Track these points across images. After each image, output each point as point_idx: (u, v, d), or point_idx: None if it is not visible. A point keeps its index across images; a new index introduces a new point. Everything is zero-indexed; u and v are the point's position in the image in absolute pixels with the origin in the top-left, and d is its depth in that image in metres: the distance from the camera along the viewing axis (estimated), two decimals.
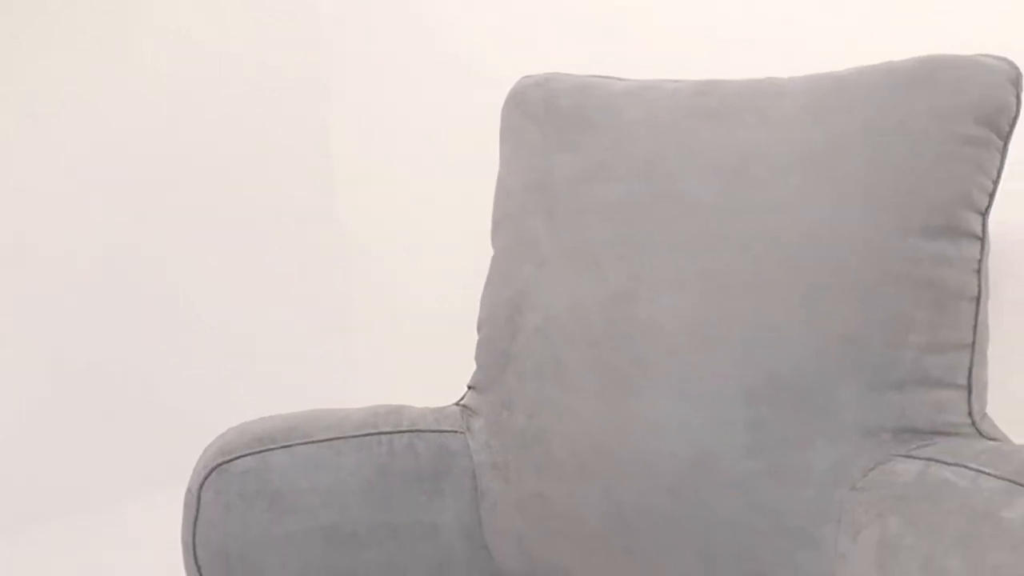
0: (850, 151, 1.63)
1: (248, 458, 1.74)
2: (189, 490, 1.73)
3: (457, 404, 1.90)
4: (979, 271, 1.62)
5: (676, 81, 1.83)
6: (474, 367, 1.89)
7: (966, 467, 1.46)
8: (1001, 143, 1.62)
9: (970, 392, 1.61)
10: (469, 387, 1.89)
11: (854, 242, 1.59)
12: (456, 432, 1.83)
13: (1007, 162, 1.65)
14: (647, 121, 1.77)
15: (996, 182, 1.64)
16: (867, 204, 1.60)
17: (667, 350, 1.64)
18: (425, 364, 2.50)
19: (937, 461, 1.50)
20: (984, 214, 1.63)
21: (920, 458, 1.53)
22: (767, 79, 1.78)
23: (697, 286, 1.64)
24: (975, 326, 1.62)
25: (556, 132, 1.84)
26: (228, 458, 1.73)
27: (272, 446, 1.75)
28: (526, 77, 1.95)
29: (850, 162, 1.62)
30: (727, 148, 1.70)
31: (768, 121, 1.70)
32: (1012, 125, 1.62)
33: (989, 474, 1.42)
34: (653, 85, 1.83)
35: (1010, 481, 1.39)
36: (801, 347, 1.58)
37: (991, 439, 1.61)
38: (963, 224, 1.60)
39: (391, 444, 1.79)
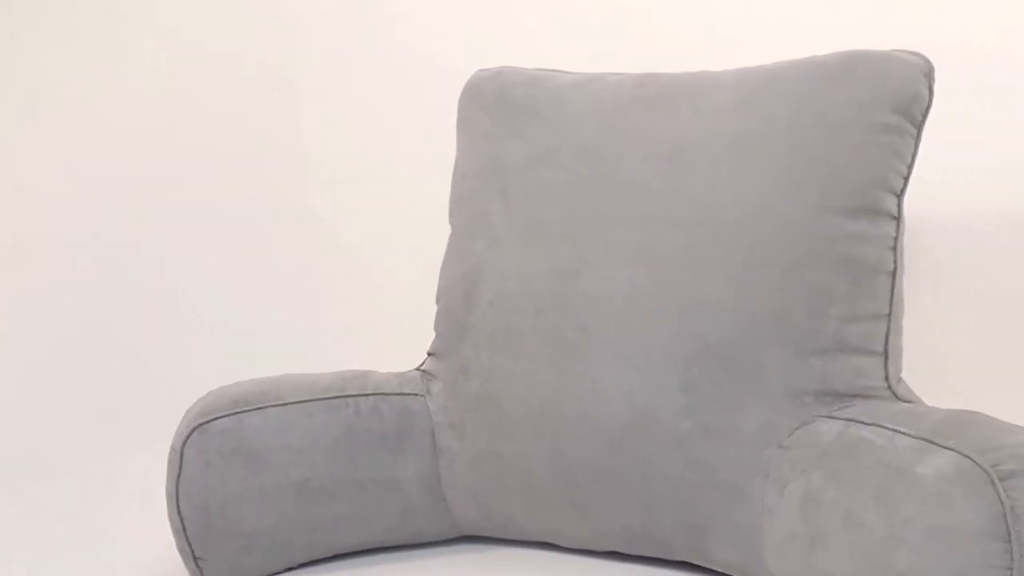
0: (777, 138, 1.61)
1: (226, 419, 1.70)
2: (173, 448, 1.71)
3: (418, 369, 1.87)
4: (895, 248, 1.62)
5: (618, 74, 1.81)
6: (433, 336, 1.86)
7: (883, 427, 1.44)
8: (915, 131, 1.62)
9: (887, 358, 1.61)
10: (429, 354, 1.87)
11: (780, 222, 1.59)
12: (417, 395, 1.80)
13: (920, 148, 1.64)
14: (592, 111, 1.76)
15: (911, 166, 1.63)
16: (792, 187, 1.59)
17: (609, 320, 1.63)
18: (389, 332, 2.46)
19: (856, 421, 1.49)
20: (900, 196, 1.63)
21: (841, 419, 1.51)
22: (701, 72, 1.76)
23: (637, 261, 1.63)
24: (891, 298, 1.61)
25: (508, 121, 1.82)
26: (208, 419, 1.70)
27: (248, 408, 1.72)
28: (480, 71, 1.92)
29: (777, 148, 1.61)
30: (665, 136, 1.68)
31: (702, 111, 1.68)
32: (925, 114, 1.63)
33: (904, 433, 1.41)
34: (597, 77, 1.81)
35: (923, 440, 1.37)
36: (732, 318, 1.57)
37: (906, 401, 1.60)
38: (880, 205, 1.60)
39: (357, 406, 1.77)
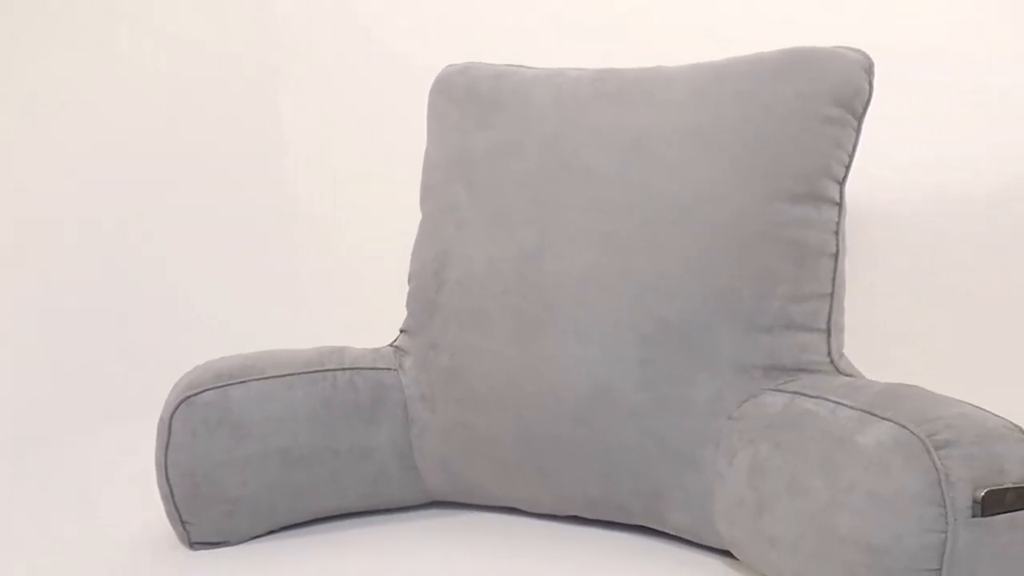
0: (727, 129, 1.60)
1: (211, 392, 1.69)
2: (161, 419, 1.69)
3: (391, 345, 1.85)
4: (837, 232, 1.61)
5: (578, 69, 1.80)
6: (406, 314, 1.84)
7: (826, 399, 1.44)
8: (856, 122, 1.62)
9: (829, 335, 1.60)
10: (401, 331, 1.85)
11: (730, 207, 1.57)
12: (390, 369, 1.79)
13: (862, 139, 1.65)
14: (554, 103, 1.74)
15: (852, 156, 1.63)
16: (741, 175, 1.58)
17: (571, 299, 1.61)
18: (364, 311, 2.43)
19: (801, 394, 1.49)
20: (842, 183, 1.62)
21: (786, 392, 1.51)
22: (656, 67, 1.74)
23: (597, 244, 1.61)
24: (833, 279, 1.61)
25: (475, 113, 1.80)
26: (194, 392, 1.68)
27: (232, 381, 1.70)
28: (449, 66, 1.90)
29: (727, 138, 1.60)
30: (623, 127, 1.66)
31: (658, 104, 1.66)
32: (865, 107, 1.62)
33: (846, 405, 1.40)
34: (559, 72, 1.80)
35: (863, 411, 1.37)
36: (686, 297, 1.56)
37: (847, 375, 1.59)
38: (824, 192, 1.59)
39: (335, 379, 1.75)
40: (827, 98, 1.58)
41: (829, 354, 1.60)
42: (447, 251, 1.75)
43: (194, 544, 1.68)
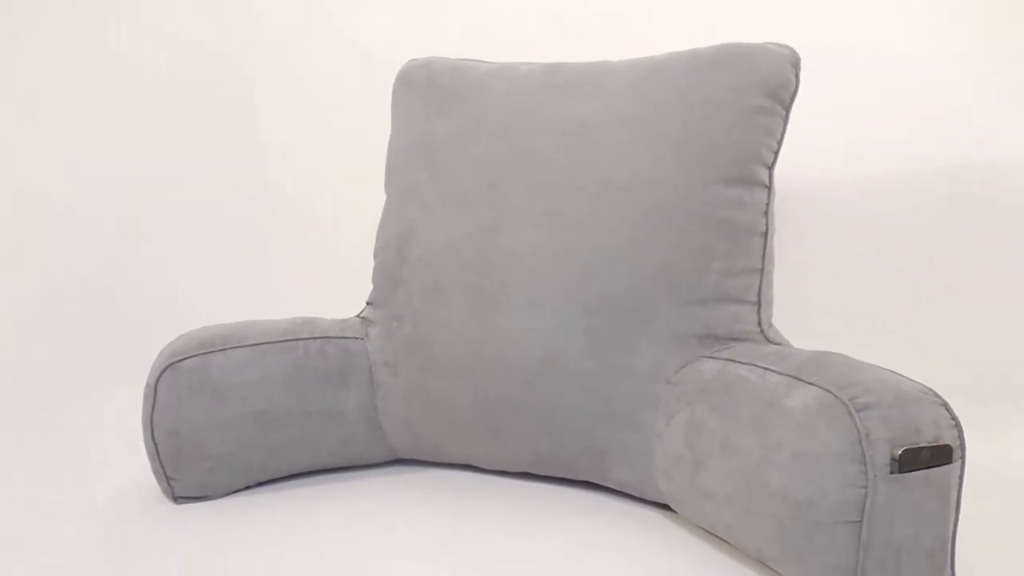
0: (666, 118, 1.58)
1: (194, 358, 1.66)
2: (148, 384, 1.66)
3: (358, 316, 1.83)
4: (767, 212, 1.60)
5: (529, 63, 1.77)
6: (371, 287, 1.81)
7: (756, 365, 1.42)
8: (784, 112, 1.60)
9: (759, 307, 1.59)
10: (368, 303, 1.82)
11: (669, 189, 1.55)
12: (357, 338, 1.76)
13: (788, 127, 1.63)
14: (507, 95, 1.71)
15: (780, 142, 1.61)
16: (679, 159, 1.55)
17: (522, 274, 1.59)
18: (334, 284, 2.39)
19: (734, 361, 1.47)
20: (771, 168, 1.61)
21: (720, 358, 1.49)
22: (601, 62, 1.71)
23: (546, 223, 1.59)
24: (764, 255, 1.60)
25: (435, 103, 1.77)
26: (178, 358, 1.65)
27: (213, 349, 1.68)
28: (412, 60, 1.87)
29: (666, 126, 1.57)
30: (570, 115, 1.64)
31: (602, 94, 1.64)
32: (792, 98, 1.61)
33: (775, 371, 1.39)
34: (512, 66, 1.77)
35: (791, 376, 1.36)
36: (628, 272, 1.54)
37: (776, 344, 1.58)
38: (754, 176, 1.57)
39: (307, 347, 1.72)
40: (758, 90, 1.56)
41: (759, 324, 1.58)
42: (410, 230, 1.73)
43: (178, 498, 1.66)
